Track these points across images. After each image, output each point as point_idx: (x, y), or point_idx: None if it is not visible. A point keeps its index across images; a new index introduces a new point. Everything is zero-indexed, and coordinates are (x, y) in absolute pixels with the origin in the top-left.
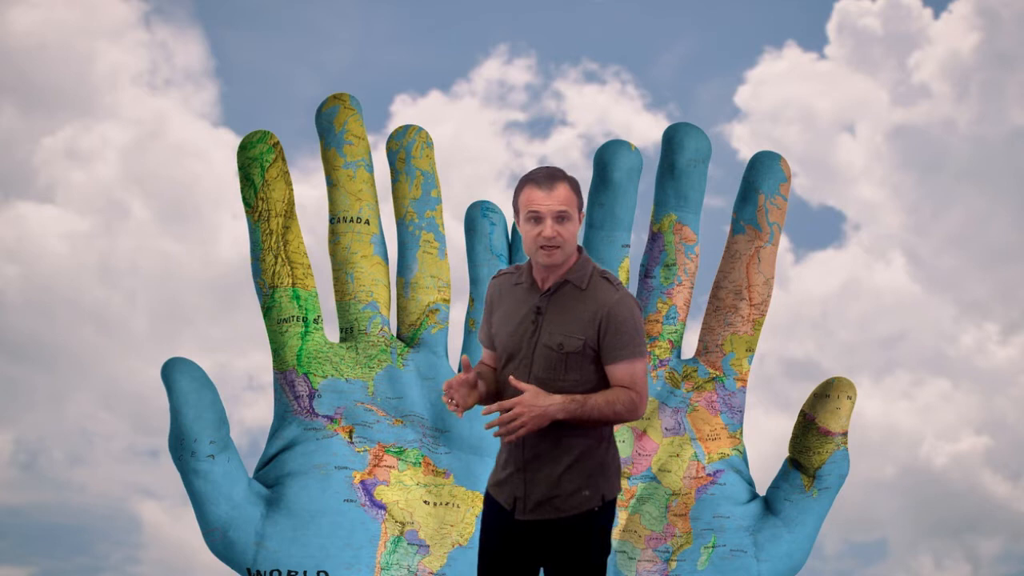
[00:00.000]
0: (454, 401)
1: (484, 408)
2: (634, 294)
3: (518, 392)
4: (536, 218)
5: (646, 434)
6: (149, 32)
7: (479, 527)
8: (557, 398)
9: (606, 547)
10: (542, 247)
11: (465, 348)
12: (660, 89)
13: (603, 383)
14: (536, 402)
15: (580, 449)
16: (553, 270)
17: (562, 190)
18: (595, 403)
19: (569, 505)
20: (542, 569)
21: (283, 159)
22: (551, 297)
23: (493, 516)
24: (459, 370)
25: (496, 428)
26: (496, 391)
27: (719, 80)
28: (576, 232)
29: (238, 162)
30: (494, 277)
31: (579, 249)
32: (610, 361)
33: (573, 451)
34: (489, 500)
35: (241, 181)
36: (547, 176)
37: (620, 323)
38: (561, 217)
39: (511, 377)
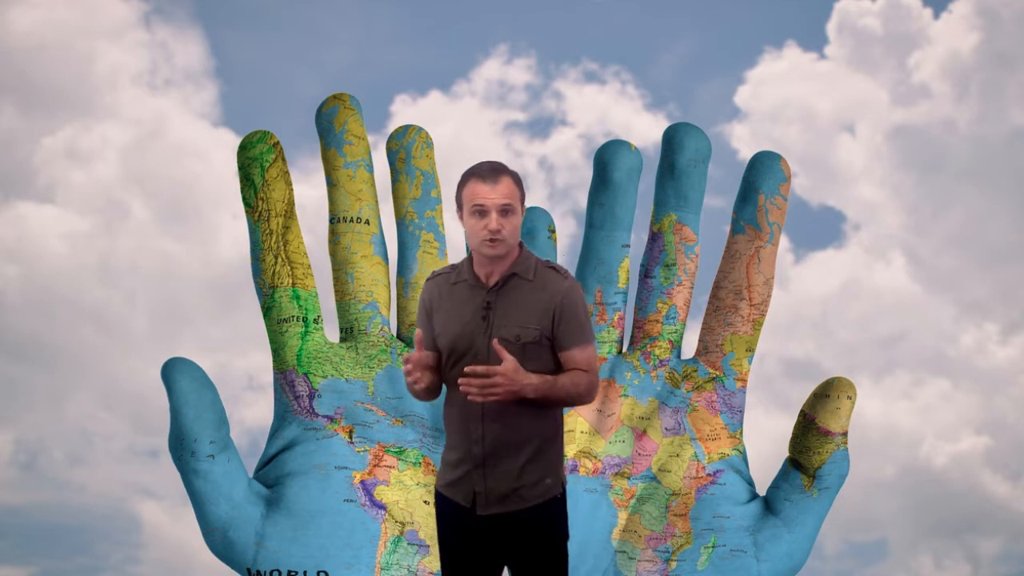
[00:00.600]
0: (413, 377)
1: (468, 368)
2: (634, 294)
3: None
4: (481, 211)
5: (646, 434)
6: (149, 32)
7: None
8: (533, 377)
9: (567, 533)
10: (487, 240)
11: None
12: (660, 89)
13: (558, 370)
14: (516, 376)
15: (539, 440)
16: (497, 265)
17: (506, 183)
18: (563, 384)
19: (534, 495)
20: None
21: (283, 159)
22: (499, 291)
23: (451, 515)
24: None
25: (469, 395)
26: (436, 390)
27: (719, 80)
28: (519, 226)
29: (238, 162)
30: (428, 279)
31: (520, 244)
32: (567, 347)
33: (533, 442)
34: (443, 500)
35: (241, 181)
36: (491, 170)
37: (574, 310)
38: (505, 210)
39: (495, 342)
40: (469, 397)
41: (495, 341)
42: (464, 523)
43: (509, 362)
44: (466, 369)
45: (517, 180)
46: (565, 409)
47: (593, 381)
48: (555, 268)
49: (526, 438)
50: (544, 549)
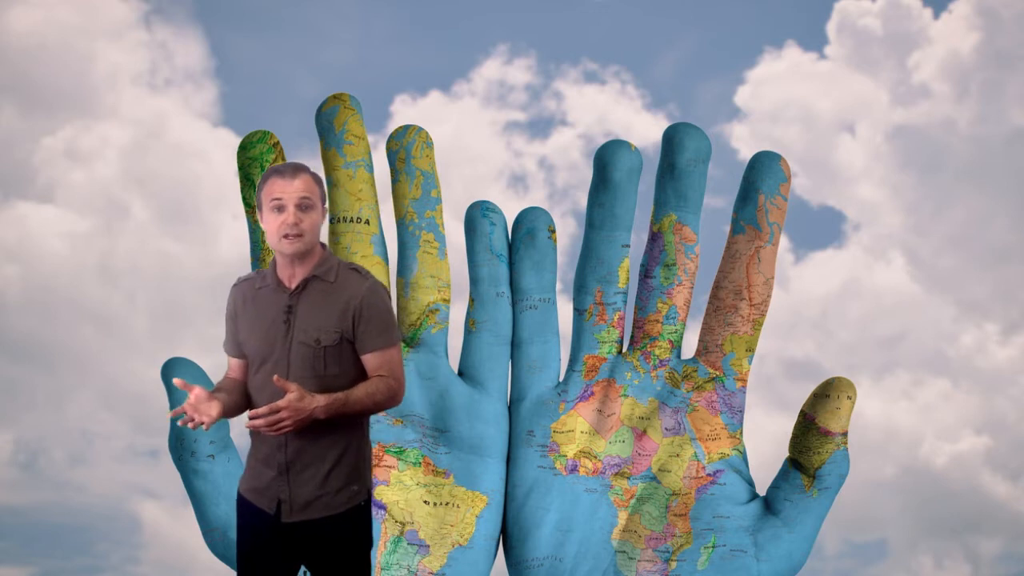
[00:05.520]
0: (197, 420)
1: (251, 411)
2: (634, 294)
3: (276, 394)
4: (279, 207)
5: (646, 434)
6: (149, 32)
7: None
8: (320, 398)
9: (371, 541)
10: (285, 236)
11: (465, 348)
12: (660, 89)
13: (363, 374)
14: (301, 405)
15: (344, 446)
16: (299, 266)
17: (304, 179)
18: (357, 397)
19: (338, 501)
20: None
21: (283, 159)
22: (300, 294)
23: (251, 521)
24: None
25: (261, 427)
26: (246, 399)
27: (719, 80)
28: (319, 224)
29: (238, 162)
30: (234, 285)
31: (322, 245)
32: (366, 351)
33: (337, 448)
34: (246, 505)
35: (241, 181)
36: (291, 167)
37: (373, 312)
38: (304, 205)
39: (275, 377)
40: (268, 434)
41: (275, 377)
42: (267, 529)
43: (292, 393)
44: (248, 414)
45: (317, 180)
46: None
47: (393, 386)
48: (356, 269)
49: (329, 446)
50: (348, 557)
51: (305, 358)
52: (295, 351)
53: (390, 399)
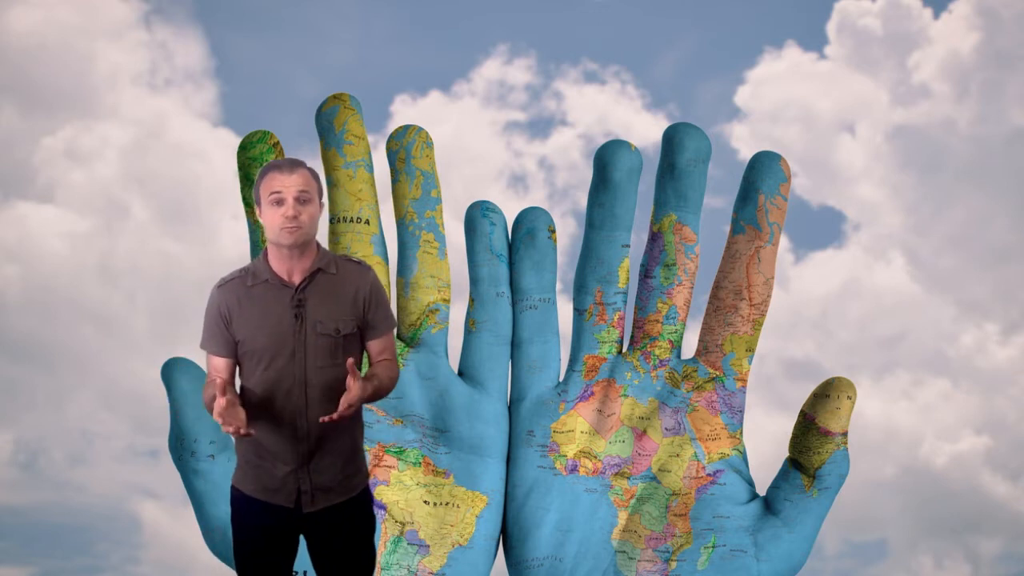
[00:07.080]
0: (233, 426)
1: (345, 397)
2: (634, 294)
3: (291, 389)
4: (278, 200)
5: (646, 434)
6: (149, 32)
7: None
8: (367, 384)
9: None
10: (285, 227)
11: (465, 348)
12: (660, 89)
13: (362, 357)
14: (363, 395)
15: (355, 431)
16: (298, 261)
17: (303, 174)
18: (381, 380)
19: (354, 484)
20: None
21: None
22: (307, 288)
23: (262, 520)
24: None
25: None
26: (245, 398)
27: (719, 80)
28: (317, 217)
29: (238, 162)
30: (219, 286)
31: (316, 243)
32: (376, 335)
33: (351, 434)
34: (253, 503)
35: (241, 181)
36: (288, 162)
37: (380, 298)
38: (302, 198)
39: (349, 361)
40: (336, 420)
41: (350, 362)
42: (283, 524)
43: (358, 385)
44: (345, 399)
45: (315, 175)
46: None
47: (399, 369)
48: (353, 260)
49: (347, 432)
50: (366, 536)
51: (324, 348)
52: (312, 343)
53: (396, 380)
